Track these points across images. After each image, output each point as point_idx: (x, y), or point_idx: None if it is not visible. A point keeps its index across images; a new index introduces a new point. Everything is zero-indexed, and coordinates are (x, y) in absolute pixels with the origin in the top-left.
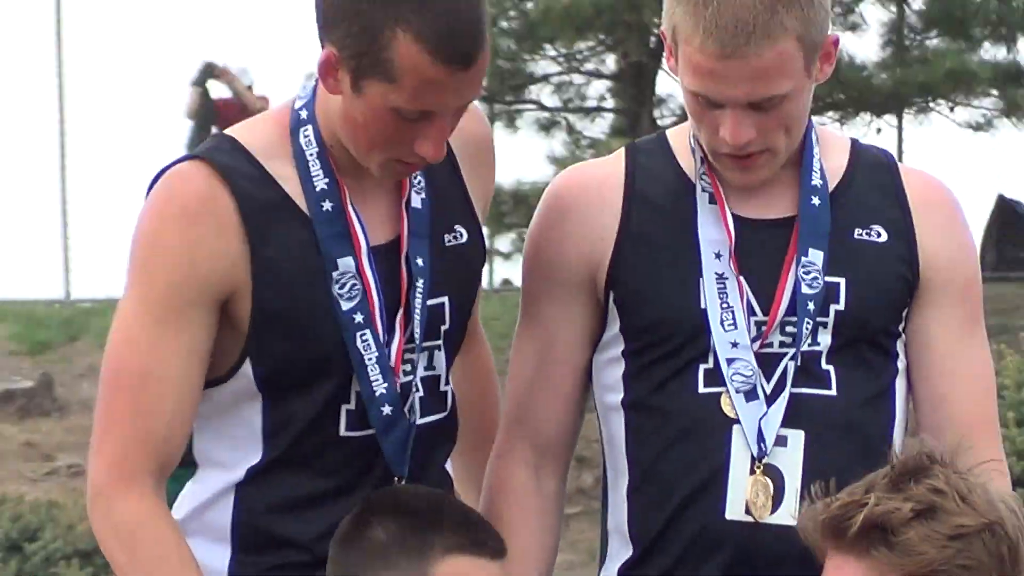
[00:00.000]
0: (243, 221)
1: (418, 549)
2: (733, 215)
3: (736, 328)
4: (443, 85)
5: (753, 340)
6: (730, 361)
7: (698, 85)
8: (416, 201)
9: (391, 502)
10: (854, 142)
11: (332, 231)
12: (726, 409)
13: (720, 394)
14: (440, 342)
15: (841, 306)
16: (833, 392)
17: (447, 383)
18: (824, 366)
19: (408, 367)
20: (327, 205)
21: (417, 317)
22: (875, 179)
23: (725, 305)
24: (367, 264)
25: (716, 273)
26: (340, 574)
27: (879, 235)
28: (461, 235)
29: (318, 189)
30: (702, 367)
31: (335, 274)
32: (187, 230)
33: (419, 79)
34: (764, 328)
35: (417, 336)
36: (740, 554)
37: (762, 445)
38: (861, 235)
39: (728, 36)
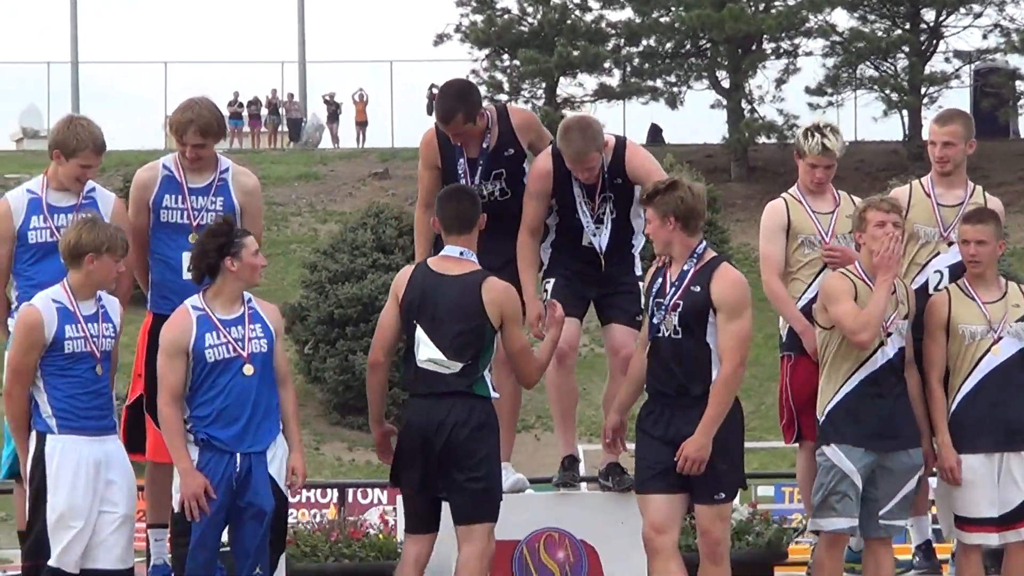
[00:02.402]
0: (438, 144)
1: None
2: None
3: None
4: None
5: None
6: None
7: (569, 167)
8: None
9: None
10: (618, 139)
11: (458, 152)
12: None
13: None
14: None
15: (613, 200)
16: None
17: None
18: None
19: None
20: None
21: (480, 167)
22: (620, 153)
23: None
24: (466, 163)
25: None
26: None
27: (620, 180)
28: (510, 151)
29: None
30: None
31: (458, 162)
32: (428, 145)
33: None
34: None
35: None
36: None
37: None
38: (616, 181)
39: (575, 154)
